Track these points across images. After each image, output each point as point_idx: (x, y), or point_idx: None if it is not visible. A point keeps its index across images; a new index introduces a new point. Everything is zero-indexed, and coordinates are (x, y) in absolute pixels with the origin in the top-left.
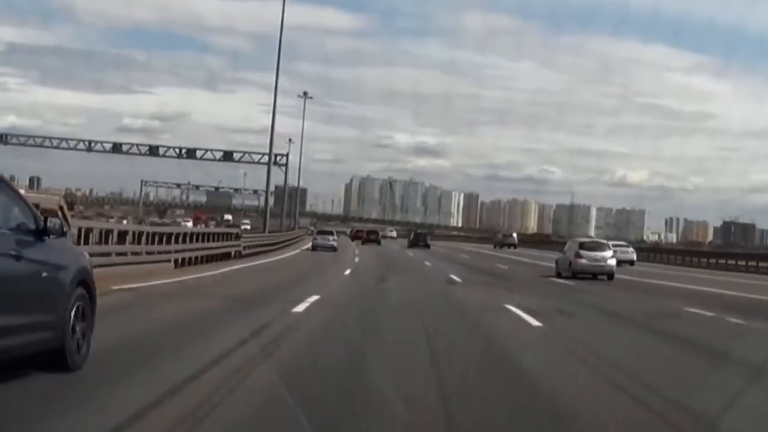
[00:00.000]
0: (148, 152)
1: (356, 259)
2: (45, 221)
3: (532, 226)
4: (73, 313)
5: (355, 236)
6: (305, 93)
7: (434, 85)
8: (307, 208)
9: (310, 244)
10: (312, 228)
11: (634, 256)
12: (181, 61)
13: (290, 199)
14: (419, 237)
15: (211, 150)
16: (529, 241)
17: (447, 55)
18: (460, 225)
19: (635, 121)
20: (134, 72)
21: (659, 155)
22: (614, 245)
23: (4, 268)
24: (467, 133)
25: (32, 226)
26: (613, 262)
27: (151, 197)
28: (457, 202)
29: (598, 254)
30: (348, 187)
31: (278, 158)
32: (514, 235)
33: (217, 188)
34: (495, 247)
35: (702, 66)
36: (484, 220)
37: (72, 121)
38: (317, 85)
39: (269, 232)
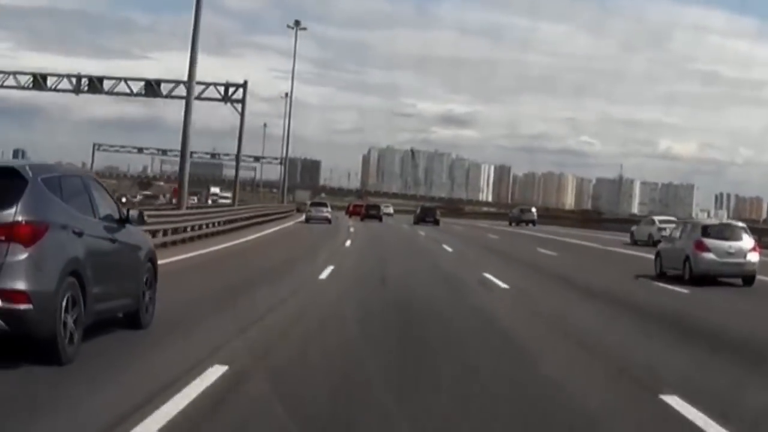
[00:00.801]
0: (30, 85)
1: (347, 243)
2: (127, 212)
3: (569, 201)
4: (145, 283)
5: (352, 212)
6: (297, 22)
7: (470, 50)
8: (321, 182)
9: (291, 223)
10: (307, 203)
11: None
12: (185, 23)
13: (302, 171)
14: (427, 212)
15: (125, 79)
16: (568, 217)
17: (488, 18)
18: (490, 200)
19: (685, 90)
20: (135, 35)
21: (709, 126)
22: (662, 221)
23: (105, 249)
24: (500, 101)
25: (116, 216)
26: (755, 257)
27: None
28: (487, 175)
29: (733, 245)
30: (366, 159)
31: (231, 92)
32: (533, 210)
33: (213, 155)
34: (511, 224)
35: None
36: (516, 195)
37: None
38: (342, 49)
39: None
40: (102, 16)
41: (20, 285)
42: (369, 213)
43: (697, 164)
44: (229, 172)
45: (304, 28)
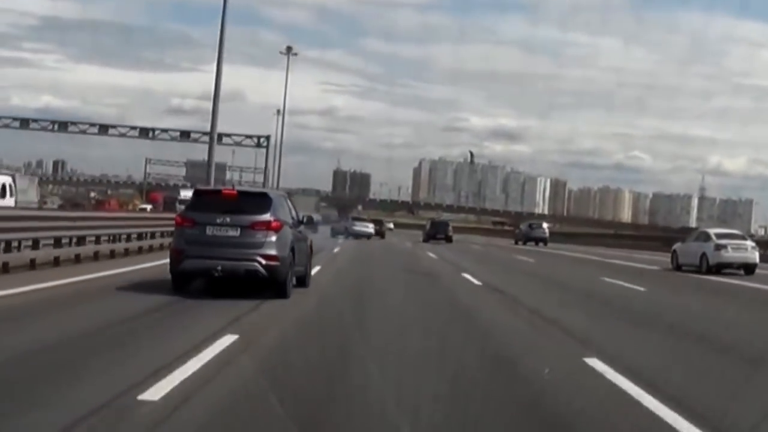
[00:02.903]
0: (56, 128)
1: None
2: (304, 218)
3: (625, 216)
4: (308, 260)
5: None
6: (288, 48)
7: (512, 64)
8: (371, 195)
9: None
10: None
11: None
12: (235, 36)
13: (351, 184)
14: (438, 227)
15: (164, 130)
16: (634, 236)
17: (527, 32)
18: (545, 214)
19: (736, 105)
20: (183, 49)
21: (759, 142)
22: (720, 235)
23: (298, 238)
24: (551, 116)
25: (297, 220)
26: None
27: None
28: (543, 189)
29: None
30: (417, 172)
31: (261, 140)
32: (545, 226)
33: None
34: (517, 242)
35: None
36: (572, 209)
37: (114, 101)
38: (386, 63)
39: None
40: (150, 29)
41: (273, 252)
42: (339, 229)
43: (745, 180)
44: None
45: (296, 54)
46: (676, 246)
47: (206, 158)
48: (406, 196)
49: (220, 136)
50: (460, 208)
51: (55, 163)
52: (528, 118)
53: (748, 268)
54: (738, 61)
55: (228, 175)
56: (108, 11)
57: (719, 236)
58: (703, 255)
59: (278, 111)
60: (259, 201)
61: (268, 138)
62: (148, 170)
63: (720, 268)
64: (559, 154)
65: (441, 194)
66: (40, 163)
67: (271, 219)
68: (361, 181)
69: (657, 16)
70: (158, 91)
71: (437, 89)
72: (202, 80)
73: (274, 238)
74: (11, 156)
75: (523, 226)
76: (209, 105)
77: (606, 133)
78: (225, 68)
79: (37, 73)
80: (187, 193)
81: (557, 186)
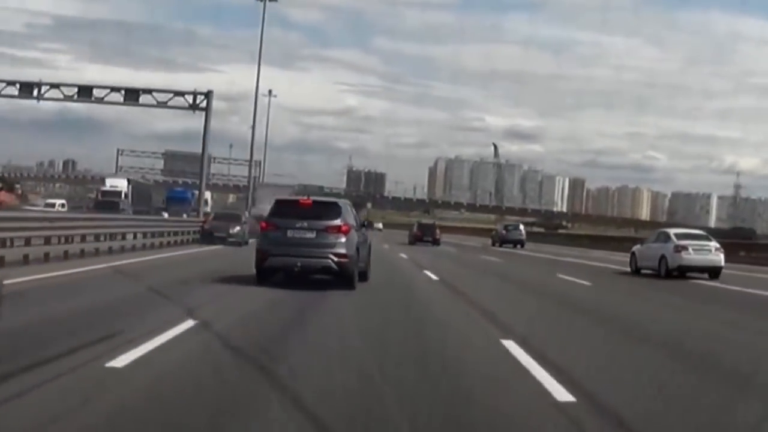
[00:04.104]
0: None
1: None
2: (364, 222)
3: (644, 215)
4: (369, 258)
5: None
6: (270, 92)
7: (536, 65)
8: (385, 193)
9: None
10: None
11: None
12: (252, 36)
13: (366, 183)
14: (425, 230)
15: (111, 88)
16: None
17: (545, 31)
18: (564, 212)
19: (753, 105)
20: (199, 48)
21: None
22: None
23: (361, 239)
24: (566, 116)
25: (358, 223)
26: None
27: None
28: (562, 188)
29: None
30: (432, 171)
31: (198, 100)
32: (521, 227)
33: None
34: (494, 244)
35: None
36: (590, 209)
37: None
38: (408, 63)
39: None
40: (165, 28)
41: (344, 251)
42: None
43: (761, 179)
44: (216, 169)
45: (275, 96)
46: (636, 248)
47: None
48: (421, 195)
49: (138, 92)
50: (483, 207)
51: (65, 163)
52: (543, 117)
53: (712, 272)
54: (759, 61)
55: (213, 169)
56: (119, 11)
57: (680, 237)
58: (663, 257)
59: (269, 92)
60: (331, 208)
61: (208, 96)
62: (120, 163)
63: (681, 272)
64: (575, 154)
65: (457, 193)
66: (52, 163)
67: (341, 223)
68: (376, 180)
69: (684, 17)
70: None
71: (452, 89)
72: (214, 80)
73: (343, 239)
74: (23, 157)
75: (500, 228)
76: (223, 105)
77: (621, 132)
78: (242, 68)
79: (50, 73)
80: (115, 182)
81: (575, 185)
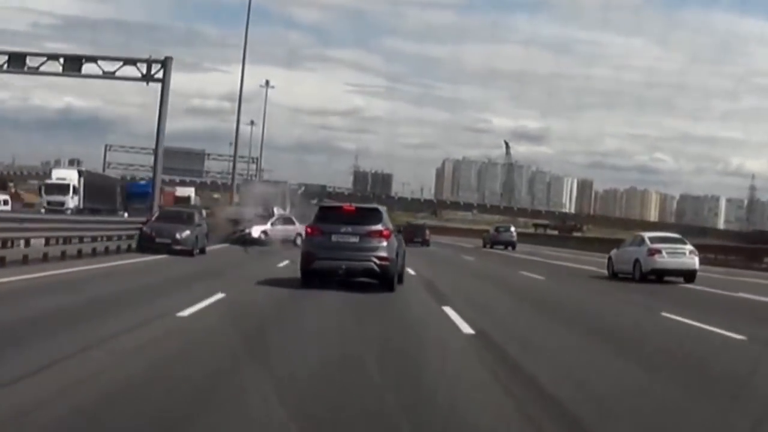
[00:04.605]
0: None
1: None
2: (399, 228)
3: (652, 217)
4: (403, 262)
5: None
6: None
7: (543, 66)
8: (392, 194)
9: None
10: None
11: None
12: (258, 36)
13: (373, 184)
14: (416, 231)
15: (48, 56)
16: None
17: (551, 31)
18: (574, 213)
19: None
20: (205, 48)
21: None
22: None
23: (398, 243)
24: (573, 117)
25: (395, 229)
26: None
27: None
28: (570, 189)
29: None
30: (440, 172)
31: (152, 70)
32: (513, 229)
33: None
34: (485, 245)
35: None
36: (597, 210)
37: (135, 101)
38: (409, 62)
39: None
40: (169, 28)
41: (385, 254)
42: None
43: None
44: (212, 166)
45: (273, 87)
46: (612, 252)
47: (182, 147)
48: (429, 196)
49: (81, 60)
50: (494, 208)
51: (71, 162)
52: (550, 119)
53: (687, 275)
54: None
55: (205, 165)
56: (132, 10)
57: (654, 240)
58: (637, 261)
59: (266, 82)
60: (373, 214)
61: (165, 63)
62: (108, 159)
63: (656, 275)
64: (582, 155)
65: (465, 194)
66: (58, 162)
67: (383, 228)
68: (383, 181)
69: (687, 17)
70: (178, 91)
71: (459, 90)
72: (224, 80)
73: (385, 244)
74: (27, 156)
75: (491, 230)
76: (230, 105)
77: (628, 134)
78: (248, 68)
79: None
80: (63, 174)
81: (584, 186)
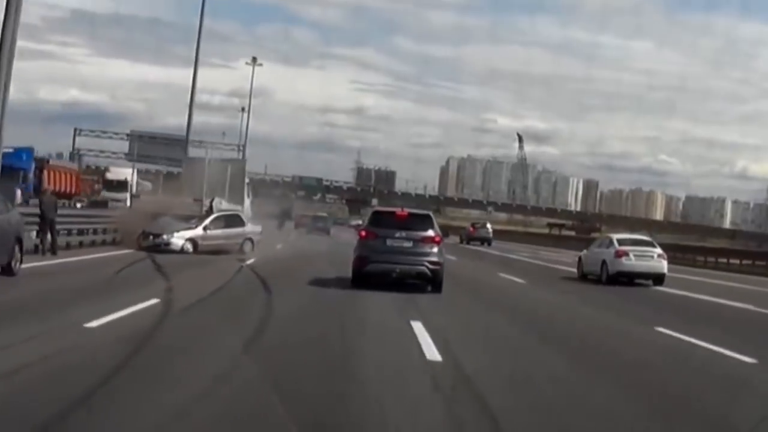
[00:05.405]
0: None
1: None
2: (447, 232)
3: (657, 219)
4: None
5: (297, 223)
6: (254, 59)
7: (541, 65)
8: (394, 189)
9: None
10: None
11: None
12: (266, 33)
13: (376, 181)
14: None
15: None
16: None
17: (557, 33)
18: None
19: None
20: (213, 45)
21: None
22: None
23: (444, 250)
24: (580, 118)
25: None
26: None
27: None
28: (575, 189)
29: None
30: (444, 171)
31: None
32: (489, 226)
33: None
34: (462, 241)
35: None
36: (603, 211)
37: (142, 96)
38: (414, 62)
39: None
40: (179, 24)
41: (437, 259)
42: (316, 226)
43: None
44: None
45: (261, 65)
46: (582, 253)
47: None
48: (433, 193)
49: None
50: (506, 206)
51: (71, 155)
52: (556, 120)
53: (655, 278)
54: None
55: (190, 152)
56: (137, 5)
57: (622, 242)
58: (604, 263)
59: (254, 59)
60: (425, 220)
61: None
62: (77, 144)
63: (623, 278)
64: (587, 157)
65: (469, 193)
66: (60, 155)
67: (434, 234)
68: (387, 178)
69: (690, 19)
70: (186, 87)
71: (465, 89)
72: (231, 77)
73: (436, 249)
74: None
75: (468, 226)
76: (236, 102)
77: (633, 136)
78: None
79: (65, 67)
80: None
81: (589, 186)
